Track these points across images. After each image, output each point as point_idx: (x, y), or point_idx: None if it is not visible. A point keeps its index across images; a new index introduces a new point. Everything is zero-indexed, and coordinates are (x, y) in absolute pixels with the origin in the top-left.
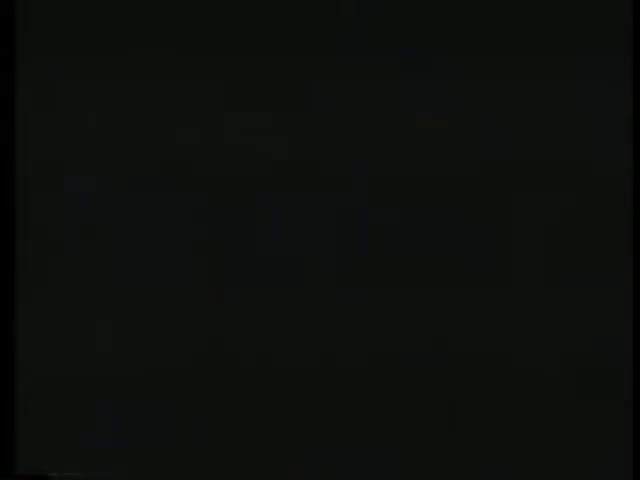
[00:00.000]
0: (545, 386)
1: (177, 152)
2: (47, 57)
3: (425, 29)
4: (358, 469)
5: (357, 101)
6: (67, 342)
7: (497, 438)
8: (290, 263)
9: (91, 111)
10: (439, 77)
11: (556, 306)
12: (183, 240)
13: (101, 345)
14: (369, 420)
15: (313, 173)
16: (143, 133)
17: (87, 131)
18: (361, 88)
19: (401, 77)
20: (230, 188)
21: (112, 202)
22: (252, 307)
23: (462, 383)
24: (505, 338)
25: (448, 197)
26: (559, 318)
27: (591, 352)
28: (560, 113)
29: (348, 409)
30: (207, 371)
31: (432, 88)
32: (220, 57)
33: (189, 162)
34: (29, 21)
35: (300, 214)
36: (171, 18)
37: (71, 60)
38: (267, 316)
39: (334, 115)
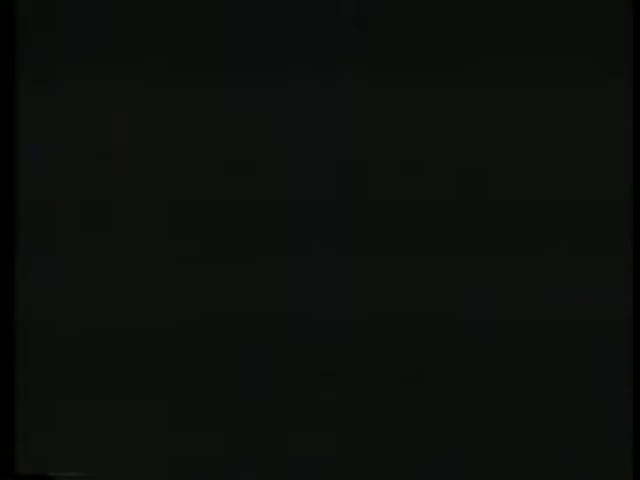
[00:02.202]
0: (544, 383)
1: (176, 152)
2: (47, 58)
3: (425, 29)
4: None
5: (357, 101)
6: (67, 342)
7: (496, 437)
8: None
9: (91, 111)
10: (438, 77)
11: (556, 301)
12: (186, 229)
13: (102, 346)
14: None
15: (312, 174)
16: (143, 133)
17: (87, 131)
18: (361, 88)
19: (400, 77)
20: (230, 185)
21: (112, 200)
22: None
23: (460, 378)
24: (504, 336)
25: (448, 192)
26: (558, 313)
27: (590, 348)
28: (560, 113)
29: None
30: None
31: (432, 88)
32: (219, 57)
33: (188, 161)
34: (29, 21)
35: (294, 201)
36: (172, 19)
37: (71, 60)
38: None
39: (334, 115)
